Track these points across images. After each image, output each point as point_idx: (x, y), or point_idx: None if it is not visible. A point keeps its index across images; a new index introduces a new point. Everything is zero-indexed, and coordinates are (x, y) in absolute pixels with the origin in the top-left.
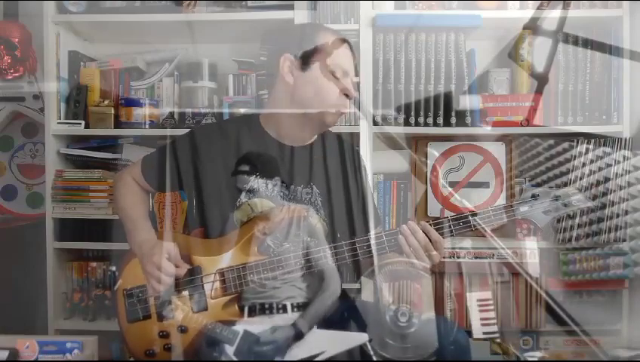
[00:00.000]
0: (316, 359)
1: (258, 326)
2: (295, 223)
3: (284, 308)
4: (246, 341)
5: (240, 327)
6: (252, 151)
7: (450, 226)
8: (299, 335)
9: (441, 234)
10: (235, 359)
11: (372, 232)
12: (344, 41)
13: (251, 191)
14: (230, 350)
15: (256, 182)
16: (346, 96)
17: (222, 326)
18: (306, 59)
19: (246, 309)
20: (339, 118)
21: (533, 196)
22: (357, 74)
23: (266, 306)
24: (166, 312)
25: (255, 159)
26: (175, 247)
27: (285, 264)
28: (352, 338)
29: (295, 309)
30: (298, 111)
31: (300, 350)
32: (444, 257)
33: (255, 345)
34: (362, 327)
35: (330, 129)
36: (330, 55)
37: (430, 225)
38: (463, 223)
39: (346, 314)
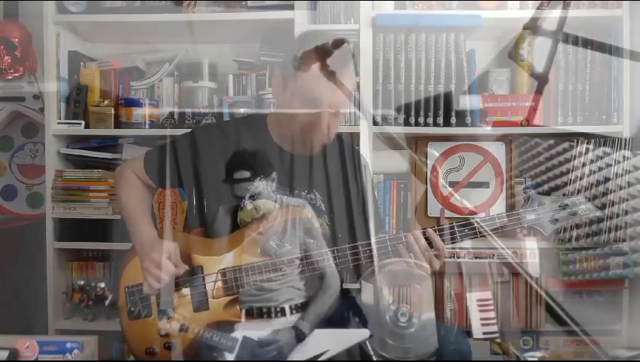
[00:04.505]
0: (320, 359)
1: (257, 331)
2: (295, 224)
3: (283, 311)
4: (246, 347)
5: (239, 334)
6: (244, 153)
7: (454, 233)
8: (301, 338)
9: (445, 241)
10: None
11: (373, 237)
12: (327, 67)
13: (253, 196)
14: (230, 357)
15: (256, 186)
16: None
17: (220, 334)
18: (284, 82)
19: (243, 312)
20: (318, 144)
21: (540, 204)
22: (357, 74)
23: (264, 310)
24: (168, 315)
25: (250, 161)
26: (176, 247)
27: (287, 265)
28: (354, 336)
29: (294, 311)
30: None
31: (302, 350)
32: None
33: (256, 351)
34: (363, 325)
35: None
36: (306, 80)
37: (435, 231)
38: (469, 230)
39: (346, 313)
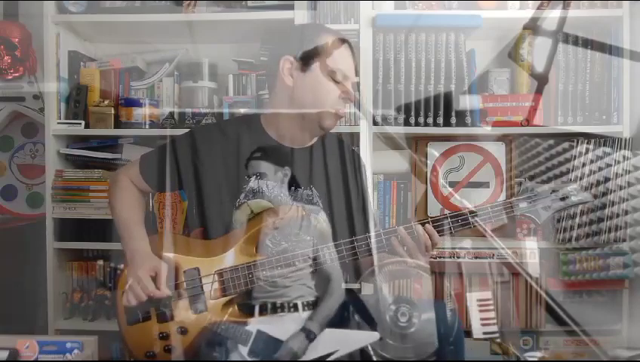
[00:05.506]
0: (328, 359)
1: (272, 326)
2: (296, 223)
3: (295, 307)
4: (259, 341)
5: (253, 327)
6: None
7: (449, 224)
8: (311, 337)
9: (441, 232)
10: (249, 359)
11: (372, 231)
12: (345, 41)
13: (260, 176)
14: (244, 350)
15: (265, 166)
16: (346, 99)
17: (235, 326)
18: (305, 61)
19: (257, 308)
20: (337, 121)
21: (532, 192)
22: (357, 74)
23: (277, 305)
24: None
25: (267, 147)
26: (165, 268)
27: (284, 264)
28: (364, 337)
29: (305, 308)
30: (297, 112)
31: (311, 350)
32: (443, 257)
33: (269, 345)
34: (367, 324)
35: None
36: (330, 57)
37: (429, 222)
38: (462, 220)
39: (346, 313)
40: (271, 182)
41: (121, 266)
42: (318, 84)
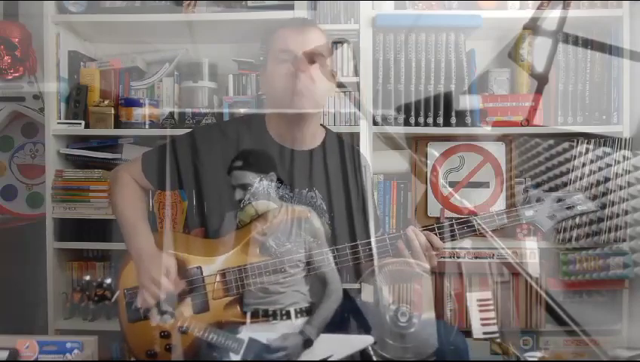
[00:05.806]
0: None
1: (264, 333)
2: (297, 224)
3: (288, 314)
4: (252, 349)
5: (245, 335)
6: (245, 149)
7: (453, 230)
8: (308, 343)
9: (445, 238)
10: None
11: (372, 236)
12: (296, 24)
13: (244, 187)
14: (236, 358)
15: (250, 177)
16: (294, 74)
17: (226, 335)
18: (263, 62)
19: (248, 315)
20: (300, 98)
21: (538, 200)
22: (357, 74)
23: (270, 312)
24: (162, 319)
25: (248, 154)
26: (174, 264)
27: (287, 265)
28: (358, 341)
29: (299, 315)
30: (273, 111)
31: (307, 355)
32: (443, 257)
33: (262, 353)
34: (364, 328)
35: (330, 129)
36: (274, 43)
37: (434, 228)
38: (467, 228)
39: (346, 314)
40: (265, 178)
41: (108, 281)
42: (269, 75)
